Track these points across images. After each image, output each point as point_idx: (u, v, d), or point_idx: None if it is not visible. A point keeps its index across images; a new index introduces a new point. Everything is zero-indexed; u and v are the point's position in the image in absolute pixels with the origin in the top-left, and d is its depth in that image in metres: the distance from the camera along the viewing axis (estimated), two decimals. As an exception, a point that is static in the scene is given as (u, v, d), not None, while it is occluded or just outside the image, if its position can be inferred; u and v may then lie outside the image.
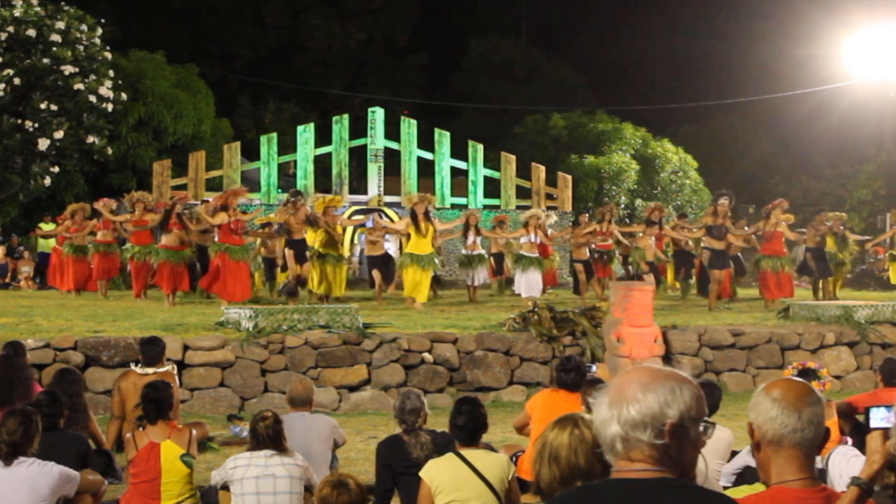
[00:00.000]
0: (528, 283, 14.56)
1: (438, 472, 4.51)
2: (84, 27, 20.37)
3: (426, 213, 13.96)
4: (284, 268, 14.30)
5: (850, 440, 5.68)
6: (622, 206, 24.92)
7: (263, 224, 15.39)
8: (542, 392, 6.50)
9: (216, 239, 13.46)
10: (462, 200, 21.49)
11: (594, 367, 6.79)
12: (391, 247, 19.68)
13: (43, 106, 19.26)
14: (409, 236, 14.16)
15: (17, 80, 19.24)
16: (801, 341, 11.53)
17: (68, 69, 19.59)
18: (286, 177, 23.91)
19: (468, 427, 4.71)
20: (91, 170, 21.61)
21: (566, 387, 6.12)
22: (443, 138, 21.71)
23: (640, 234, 15.74)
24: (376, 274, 14.41)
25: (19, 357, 6.80)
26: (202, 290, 14.36)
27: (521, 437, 6.68)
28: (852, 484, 2.41)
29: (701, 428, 2.09)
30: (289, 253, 13.66)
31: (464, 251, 15.78)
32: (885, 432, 2.48)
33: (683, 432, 2.05)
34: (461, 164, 21.69)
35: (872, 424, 2.53)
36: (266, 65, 34.67)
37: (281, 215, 13.88)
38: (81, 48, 20.13)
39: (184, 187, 19.66)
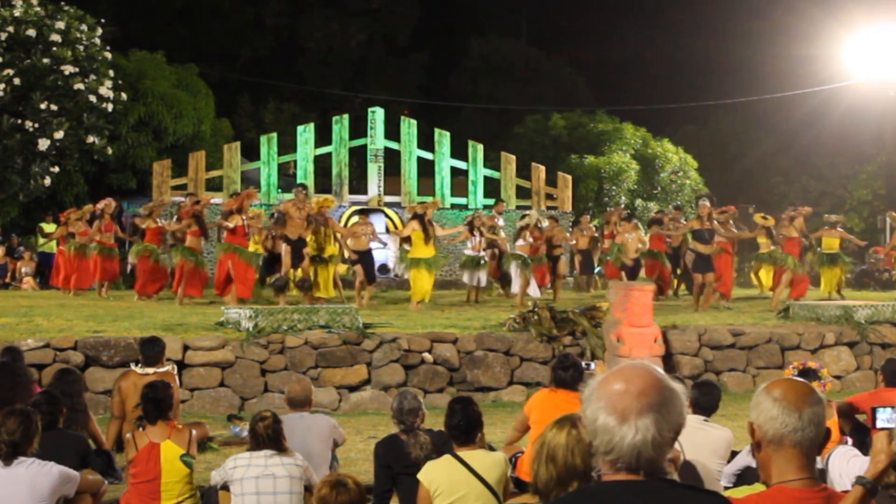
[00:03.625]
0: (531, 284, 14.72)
1: (436, 475, 4.50)
2: (84, 27, 20.37)
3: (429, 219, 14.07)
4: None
5: (850, 440, 5.68)
6: (622, 205, 24.93)
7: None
8: (541, 392, 6.47)
9: (222, 239, 13.48)
10: (462, 200, 21.48)
11: (593, 365, 6.74)
12: (391, 249, 19.67)
13: (43, 106, 19.26)
14: (409, 240, 14.15)
15: (17, 80, 19.23)
16: (801, 341, 11.53)
17: (68, 69, 19.58)
18: (286, 177, 23.90)
19: (462, 426, 4.69)
20: (91, 170, 21.60)
21: (565, 385, 6.09)
22: (443, 138, 21.71)
23: (618, 231, 15.84)
24: (359, 269, 14.10)
25: (19, 362, 6.80)
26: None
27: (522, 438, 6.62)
28: (857, 483, 2.41)
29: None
30: (285, 249, 13.64)
31: (468, 252, 15.75)
32: (891, 432, 2.47)
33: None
34: (461, 164, 21.68)
35: (878, 424, 2.52)
36: (266, 65, 34.66)
37: (285, 206, 13.92)
38: (81, 48, 20.13)
39: (184, 187, 19.65)
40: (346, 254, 14.64)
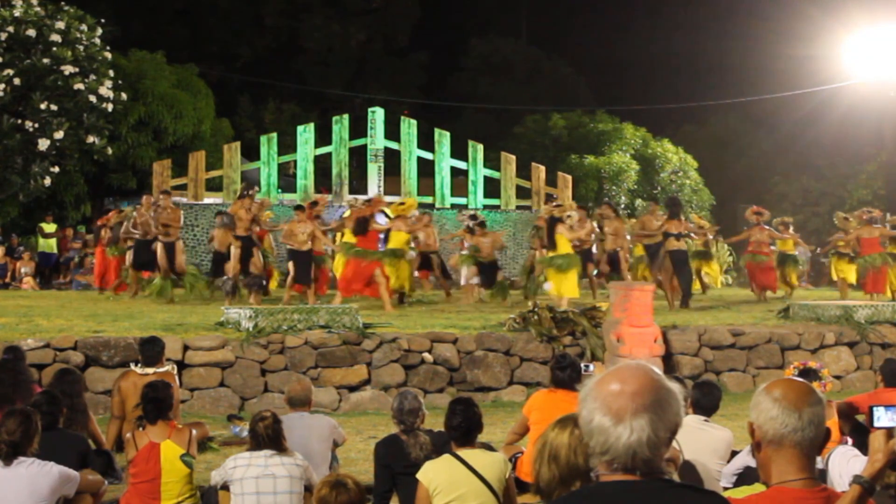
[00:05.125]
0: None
1: (436, 474, 4.51)
2: (84, 27, 20.35)
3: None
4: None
5: (850, 440, 5.68)
6: (622, 205, 24.93)
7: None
8: (539, 393, 6.47)
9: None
10: (462, 200, 21.49)
11: (591, 367, 6.73)
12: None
13: (43, 106, 19.24)
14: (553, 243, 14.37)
15: (17, 80, 19.21)
16: (801, 341, 11.53)
17: (68, 69, 19.56)
18: (286, 177, 23.91)
19: (462, 427, 4.70)
20: (91, 170, 21.60)
21: (563, 385, 6.09)
22: (443, 138, 21.71)
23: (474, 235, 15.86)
24: (291, 266, 13.68)
25: (20, 361, 6.80)
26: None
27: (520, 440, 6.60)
28: (854, 482, 2.41)
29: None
30: (234, 251, 13.60)
31: (465, 252, 15.80)
32: (889, 432, 2.48)
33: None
34: (461, 164, 21.68)
35: (876, 424, 2.52)
36: (266, 65, 34.67)
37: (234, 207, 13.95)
38: (81, 48, 20.11)
39: (184, 187, 19.67)
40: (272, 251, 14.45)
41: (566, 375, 6.10)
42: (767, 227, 16.18)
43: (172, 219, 14.18)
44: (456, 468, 4.51)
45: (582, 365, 6.48)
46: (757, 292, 16.08)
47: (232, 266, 13.58)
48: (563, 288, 13.53)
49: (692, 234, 15.73)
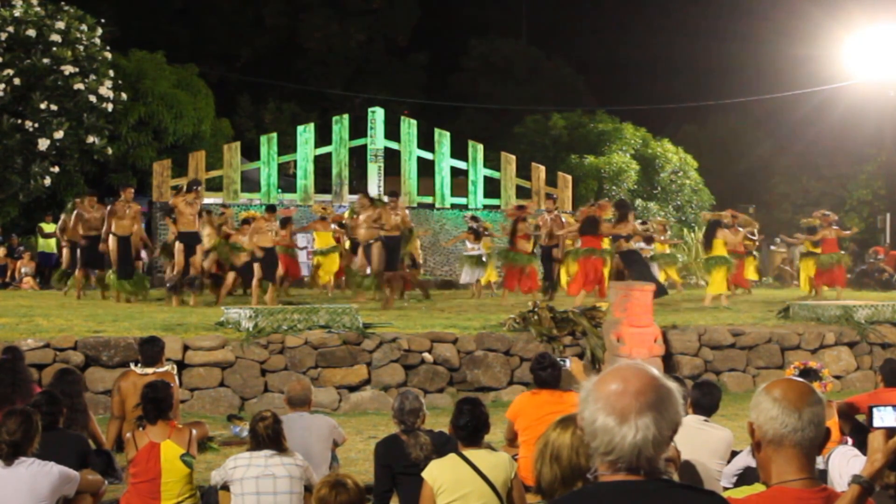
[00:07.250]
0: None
1: (441, 473, 4.51)
2: (84, 27, 20.35)
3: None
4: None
5: (850, 440, 5.68)
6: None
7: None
8: (522, 396, 6.42)
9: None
10: (462, 200, 21.48)
11: (568, 362, 6.65)
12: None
13: (43, 106, 19.24)
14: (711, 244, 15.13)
15: (17, 80, 19.21)
16: (801, 341, 11.53)
17: (68, 69, 19.57)
18: (286, 177, 23.90)
19: (469, 427, 4.71)
20: (91, 170, 21.60)
21: (546, 385, 6.08)
22: (443, 138, 21.70)
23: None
24: (257, 267, 13.50)
25: (19, 361, 6.80)
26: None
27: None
28: (854, 482, 2.41)
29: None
30: (178, 246, 13.53)
31: (472, 252, 15.95)
32: (888, 432, 2.48)
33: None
34: (461, 164, 21.68)
35: (875, 424, 2.52)
36: (266, 65, 34.67)
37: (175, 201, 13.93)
38: (81, 48, 20.12)
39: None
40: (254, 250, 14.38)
41: (548, 375, 6.08)
42: (741, 229, 16.63)
43: (130, 215, 14.16)
44: (461, 468, 4.52)
45: (559, 360, 6.43)
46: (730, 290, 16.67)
47: (176, 262, 13.51)
48: (714, 286, 14.73)
49: (648, 235, 16.16)
